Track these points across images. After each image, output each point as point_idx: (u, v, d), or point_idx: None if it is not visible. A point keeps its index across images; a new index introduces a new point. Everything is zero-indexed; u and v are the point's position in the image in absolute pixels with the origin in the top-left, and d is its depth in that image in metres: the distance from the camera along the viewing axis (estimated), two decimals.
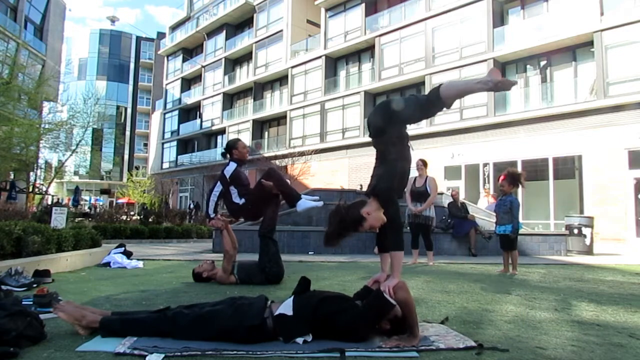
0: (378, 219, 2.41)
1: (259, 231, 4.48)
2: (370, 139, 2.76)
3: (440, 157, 18.84)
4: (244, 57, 31.76)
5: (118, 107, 52.12)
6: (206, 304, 2.32)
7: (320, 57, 25.17)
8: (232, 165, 4.46)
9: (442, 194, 12.03)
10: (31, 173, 19.90)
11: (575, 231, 10.15)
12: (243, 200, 4.42)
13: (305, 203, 4.16)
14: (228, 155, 4.58)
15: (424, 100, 2.51)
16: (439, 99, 2.43)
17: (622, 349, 2.19)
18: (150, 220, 13.71)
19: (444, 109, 2.52)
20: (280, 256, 4.42)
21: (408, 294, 2.15)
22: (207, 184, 30.68)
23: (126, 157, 52.32)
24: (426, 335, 2.24)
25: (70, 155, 18.81)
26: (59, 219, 5.60)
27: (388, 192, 2.48)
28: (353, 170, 21.93)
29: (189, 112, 36.72)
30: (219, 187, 4.41)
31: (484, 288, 4.29)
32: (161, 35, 47.23)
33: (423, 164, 6.94)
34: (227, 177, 4.40)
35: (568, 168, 16.11)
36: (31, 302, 2.75)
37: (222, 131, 32.42)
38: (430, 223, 6.92)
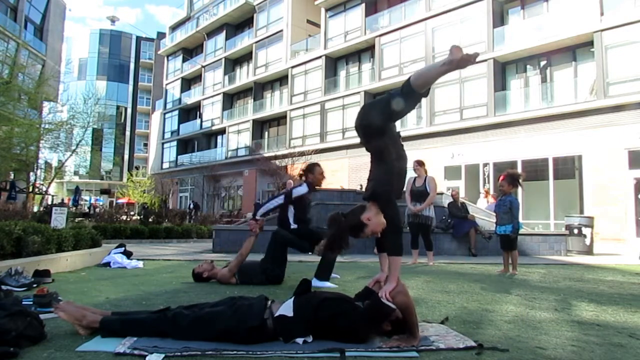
0: (379, 223, 2.38)
1: (275, 233, 4.47)
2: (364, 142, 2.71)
3: (440, 157, 18.84)
4: (244, 57, 31.76)
5: (118, 107, 52.12)
6: (206, 305, 2.32)
7: (320, 57, 25.17)
8: (303, 188, 4.48)
9: (442, 194, 12.02)
10: (31, 173, 19.90)
11: (575, 231, 10.15)
12: (296, 227, 4.47)
13: (323, 284, 4.21)
14: (303, 177, 4.61)
15: (401, 95, 2.47)
16: (413, 90, 2.41)
17: (622, 349, 2.19)
18: (150, 220, 13.71)
19: (422, 98, 2.51)
20: (285, 260, 4.41)
21: (407, 297, 2.14)
22: (207, 184, 30.71)
23: (126, 157, 52.31)
24: (426, 335, 2.24)
25: (70, 155, 18.81)
26: (59, 219, 5.60)
27: (387, 195, 2.45)
28: (353, 170, 21.93)
29: (189, 112, 36.73)
30: (280, 200, 4.43)
31: (484, 288, 4.29)
32: (161, 35, 47.23)
33: (419, 164, 6.90)
34: (293, 196, 4.42)
35: (568, 168, 16.11)
36: (31, 302, 2.75)
37: (222, 131, 32.43)
38: (429, 223, 6.91)
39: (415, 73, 2.45)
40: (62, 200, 29.08)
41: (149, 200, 31.26)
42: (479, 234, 9.11)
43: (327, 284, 4.33)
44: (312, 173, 4.56)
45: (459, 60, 2.28)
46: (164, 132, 39.31)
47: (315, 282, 4.19)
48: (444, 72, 2.38)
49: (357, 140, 2.66)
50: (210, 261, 4.47)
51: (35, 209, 15.84)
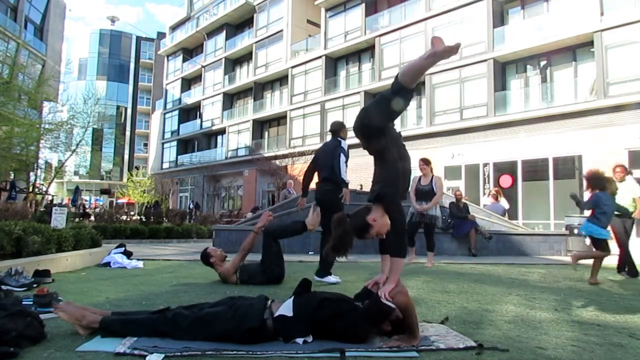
0: (384, 225, 2.37)
1: (265, 229, 4.47)
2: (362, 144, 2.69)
3: (440, 157, 18.83)
4: (244, 57, 31.76)
5: (118, 107, 52.09)
6: (205, 305, 2.32)
7: (320, 57, 25.16)
8: (344, 142, 4.74)
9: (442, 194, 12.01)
10: (31, 173, 19.90)
11: (575, 231, 10.13)
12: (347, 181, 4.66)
13: (327, 280, 4.46)
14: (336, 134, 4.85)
15: (393, 94, 2.45)
16: (402, 86, 2.40)
17: (622, 349, 2.19)
18: (150, 219, 13.72)
19: (413, 93, 2.51)
20: (282, 257, 4.42)
21: (407, 298, 2.14)
22: (207, 184, 30.70)
23: (126, 157, 52.27)
24: (426, 335, 2.24)
25: (70, 155, 18.83)
26: (59, 219, 5.59)
27: (393, 196, 2.44)
28: (353, 170, 21.79)
29: (189, 112, 36.72)
30: (344, 157, 4.58)
31: (484, 288, 4.29)
32: (161, 35, 47.24)
33: (425, 163, 6.80)
34: (346, 150, 4.67)
35: (568, 168, 16.11)
36: (31, 302, 2.75)
37: (222, 131, 32.43)
38: (434, 222, 6.82)
39: (402, 70, 2.44)
40: (52, 200, 28.85)
41: (149, 200, 31.30)
42: (479, 234, 9.11)
43: (331, 278, 4.46)
44: (343, 128, 4.85)
45: (441, 52, 2.26)
46: (164, 132, 39.30)
47: (317, 279, 4.26)
48: (428, 64, 2.37)
49: (357, 140, 2.65)
50: (225, 256, 4.48)
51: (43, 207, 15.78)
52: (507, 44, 17.66)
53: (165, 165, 38.03)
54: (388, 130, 2.57)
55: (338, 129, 4.86)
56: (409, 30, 21.00)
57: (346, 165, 4.64)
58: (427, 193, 6.67)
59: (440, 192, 6.77)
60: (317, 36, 26.34)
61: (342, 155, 4.57)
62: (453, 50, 2.25)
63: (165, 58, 40.76)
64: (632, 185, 6.13)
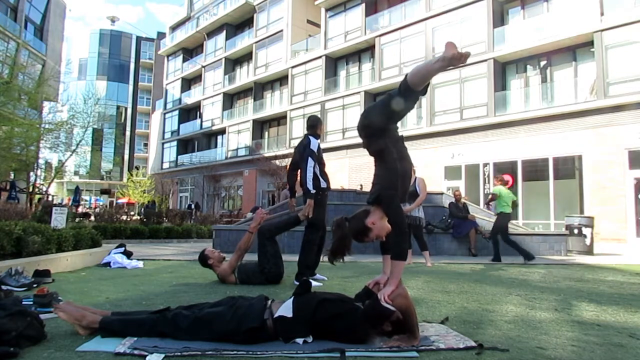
0: (383, 228, 2.36)
1: (259, 229, 4.47)
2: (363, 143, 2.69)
3: (440, 157, 18.84)
4: (244, 57, 31.77)
5: (118, 107, 52.11)
6: (205, 305, 2.32)
7: (320, 57, 25.16)
8: (316, 140, 4.58)
9: (442, 194, 12.02)
10: (31, 173, 19.90)
11: (576, 231, 10.14)
12: (326, 185, 4.53)
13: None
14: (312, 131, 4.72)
15: (400, 95, 2.46)
16: (409, 87, 2.41)
17: (622, 349, 2.19)
18: (151, 219, 13.72)
19: (420, 96, 2.50)
20: (280, 256, 4.41)
21: (407, 300, 2.13)
22: (207, 184, 30.69)
23: (126, 157, 52.29)
24: (426, 335, 2.24)
25: (71, 155, 18.82)
26: (59, 219, 5.60)
27: (391, 197, 2.42)
28: (353, 170, 21.93)
29: (189, 112, 36.73)
30: (312, 162, 4.40)
31: (484, 288, 4.29)
32: (161, 35, 47.26)
33: None
34: (316, 151, 4.49)
35: (568, 168, 16.11)
36: (31, 302, 2.75)
37: (222, 131, 32.43)
38: (419, 223, 6.88)
39: (412, 71, 2.44)
40: (52, 200, 28.78)
41: (150, 200, 31.33)
42: (479, 234, 9.11)
43: (317, 278, 4.53)
44: (320, 124, 4.77)
45: (450, 58, 2.26)
46: (164, 132, 39.31)
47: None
48: (438, 68, 2.36)
49: (357, 140, 2.67)
50: (223, 257, 4.48)
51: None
52: (507, 44, 17.65)
53: (165, 165, 38.03)
54: (389, 131, 2.57)
55: (314, 125, 4.67)
56: (409, 30, 20.99)
57: (318, 168, 4.44)
58: (410, 194, 6.72)
59: (423, 193, 6.81)
60: (317, 36, 26.34)
61: (310, 159, 4.37)
62: (462, 58, 2.25)
63: (165, 58, 40.76)
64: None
